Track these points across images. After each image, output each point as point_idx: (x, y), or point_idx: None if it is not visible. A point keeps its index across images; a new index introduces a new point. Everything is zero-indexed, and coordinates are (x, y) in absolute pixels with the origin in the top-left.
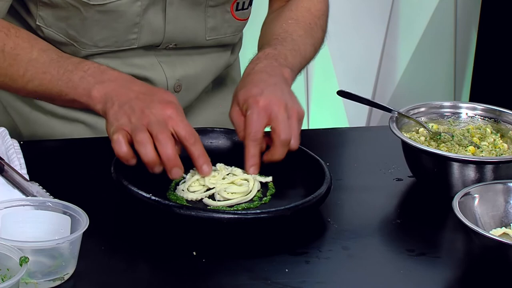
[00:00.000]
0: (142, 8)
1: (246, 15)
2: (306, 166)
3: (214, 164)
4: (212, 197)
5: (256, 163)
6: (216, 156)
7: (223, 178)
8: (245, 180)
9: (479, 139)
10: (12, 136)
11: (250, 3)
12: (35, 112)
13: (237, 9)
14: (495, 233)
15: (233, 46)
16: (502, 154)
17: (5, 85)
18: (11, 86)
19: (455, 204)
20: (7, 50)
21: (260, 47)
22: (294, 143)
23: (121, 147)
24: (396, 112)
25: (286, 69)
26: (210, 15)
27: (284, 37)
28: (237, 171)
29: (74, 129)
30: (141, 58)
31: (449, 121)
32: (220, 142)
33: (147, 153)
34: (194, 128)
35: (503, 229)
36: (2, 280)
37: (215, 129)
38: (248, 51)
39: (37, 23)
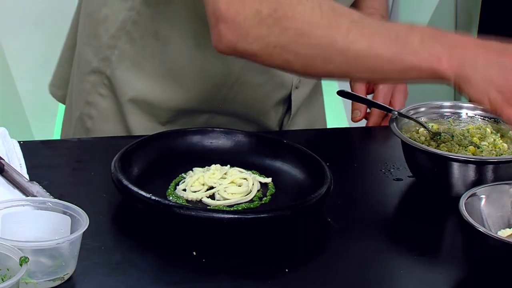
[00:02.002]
0: None
1: None
2: (306, 166)
3: (210, 165)
4: (212, 197)
5: None
6: (216, 156)
7: (223, 178)
8: (244, 179)
9: (479, 139)
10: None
11: None
12: None
13: None
14: (502, 234)
15: None
16: (502, 154)
17: (320, 50)
18: (325, 53)
19: (462, 205)
20: (325, 9)
21: None
22: None
23: None
24: (396, 112)
25: None
26: None
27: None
28: (234, 170)
29: None
30: None
31: (449, 121)
32: (220, 142)
33: None
34: (193, 128)
35: (511, 230)
36: (2, 280)
37: (215, 129)
38: None
39: None
